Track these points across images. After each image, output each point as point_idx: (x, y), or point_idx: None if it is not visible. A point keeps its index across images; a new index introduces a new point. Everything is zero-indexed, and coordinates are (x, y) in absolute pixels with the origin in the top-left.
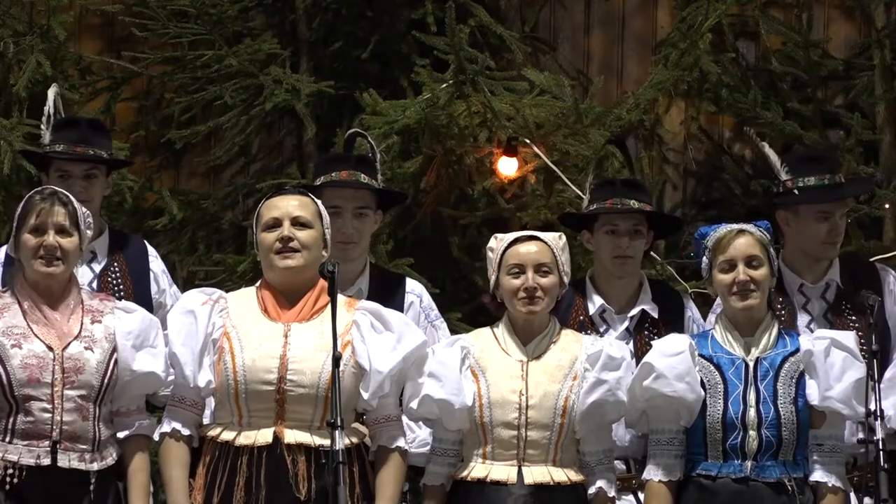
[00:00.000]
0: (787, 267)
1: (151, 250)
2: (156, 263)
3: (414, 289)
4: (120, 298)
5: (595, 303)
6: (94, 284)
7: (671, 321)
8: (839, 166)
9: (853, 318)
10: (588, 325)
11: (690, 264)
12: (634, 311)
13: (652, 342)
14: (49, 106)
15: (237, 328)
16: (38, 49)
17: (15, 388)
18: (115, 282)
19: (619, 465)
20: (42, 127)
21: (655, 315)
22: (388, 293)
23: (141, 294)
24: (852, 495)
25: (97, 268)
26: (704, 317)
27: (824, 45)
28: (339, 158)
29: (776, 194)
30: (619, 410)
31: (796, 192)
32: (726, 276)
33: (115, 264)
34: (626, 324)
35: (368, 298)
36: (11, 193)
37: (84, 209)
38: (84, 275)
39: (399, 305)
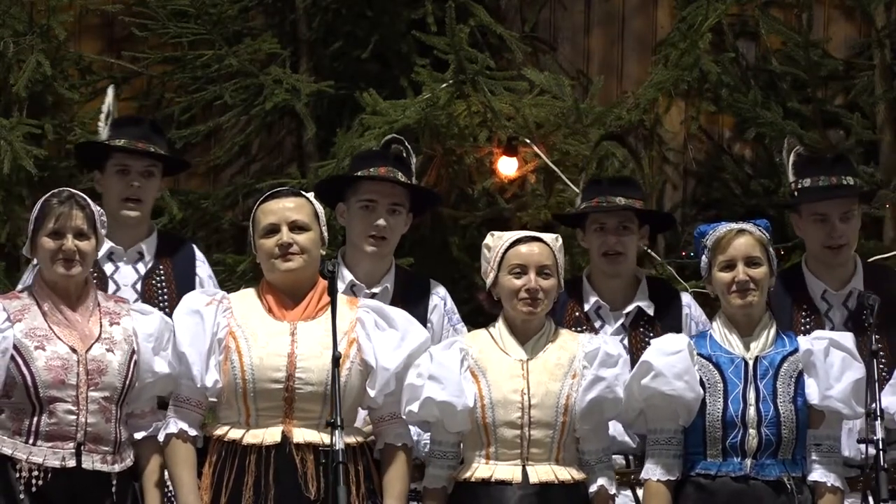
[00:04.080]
0: (811, 273)
1: (199, 255)
2: (203, 269)
3: (438, 291)
4: (163, 302)
5: (590, 300)
6: (139, 286)
7: (667, 319)
8: (843, 168)
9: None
10: (584, 321)
11: (690, 264)
12: (629, 308)
13: (647, 339)
14: (107, 104)
15: (242, 327)
16: (37, 49)
17: (40, 389)
18: (159, 285)
19: (619, 459)
20: (100, 124)
21: (651, 312)
22: (413, 294)
23: None
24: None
25: (142, 269)
26: (707, 317)
27: (824, 45)
28: (378, 155)
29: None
30: (618, 407)
31: (795, 194)
32: (726, 275)
33: (161, 267)
34: (621, 320)
35: (394, 297)
36: (11, 193)
37: (99, 209)
38: (129, 275)
39: (424, 307)
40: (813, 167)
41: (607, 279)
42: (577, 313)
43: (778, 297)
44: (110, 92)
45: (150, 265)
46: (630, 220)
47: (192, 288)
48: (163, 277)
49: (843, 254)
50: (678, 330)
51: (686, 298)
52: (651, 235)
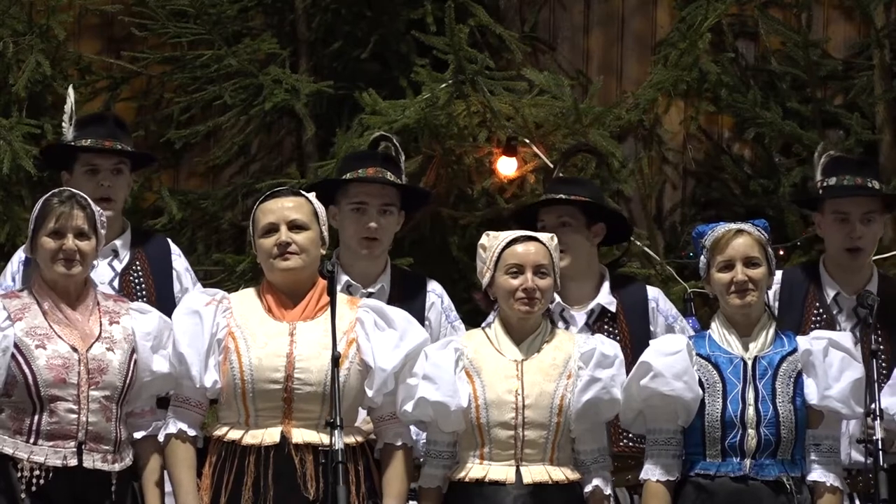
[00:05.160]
0: (827, 275)
1: (174, 248)
2: (179, 262)
3: (435, 289)
4: (142, 297)
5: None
6: (116, 283)
7: (632, 314)
8: (869, 172)
9: (880, 337)
10: None
11: (690, 264)
12: (591, 306)
13: (612, 336)
14: (69, 105)
15: (242, 328)
16: (37, 49)
17: (41, 388)
18: (136, 280)
19: None
20: (63, 126)
21: (613, 309)
22: (409, 292)
23: (163, 293)
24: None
25: (118, 266)
26: (707, 317)
27: (824, 45)
28: (366, 156)
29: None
30: (614, 408)
31: (820, 192)
32: (724, 275)
33: (137, 262)
34: (584, 319)
35: (390, 296)
36: (11, 193)
37: (99, 210)
38: (104, 273)
39: (420, 305)
40: (840, 167)
41: (566, 279)
42: None
43: (792, 290)
44: (71, 93)
45: (125, 261)
46: (572, 216)
47: (170, 282)
48: (140, 272)
49: (860, 259)
50: (645, 325)
51: (653, 292)
52: (615, 239)
